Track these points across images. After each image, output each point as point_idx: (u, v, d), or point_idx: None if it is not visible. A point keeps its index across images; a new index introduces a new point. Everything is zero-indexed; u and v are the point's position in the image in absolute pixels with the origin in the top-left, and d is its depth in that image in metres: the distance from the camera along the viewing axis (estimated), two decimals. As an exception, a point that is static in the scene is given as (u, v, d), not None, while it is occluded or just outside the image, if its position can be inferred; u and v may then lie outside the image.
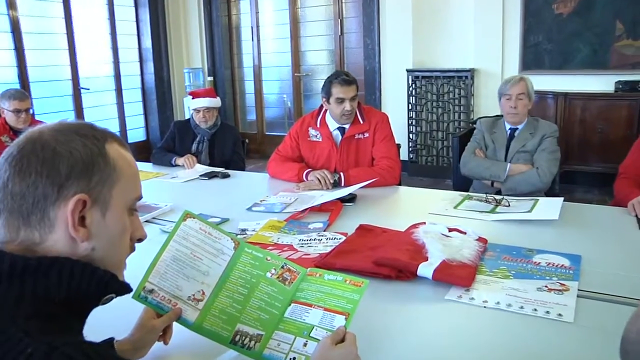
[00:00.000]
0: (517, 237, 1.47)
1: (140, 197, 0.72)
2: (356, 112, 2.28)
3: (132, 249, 0.72)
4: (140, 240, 0.73)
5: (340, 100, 2.19)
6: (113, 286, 0.66)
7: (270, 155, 2.49)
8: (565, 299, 1.11)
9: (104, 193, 0.66)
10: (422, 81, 4.58)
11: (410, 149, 4.80)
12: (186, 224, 0.99)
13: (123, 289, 0.68)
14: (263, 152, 5.95)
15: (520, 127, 2.34)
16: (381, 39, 4.77)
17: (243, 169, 2.94)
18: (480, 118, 2.55)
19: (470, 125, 4.39)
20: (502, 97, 2.33)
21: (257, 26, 5.72)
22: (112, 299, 0.68)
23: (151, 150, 3.41)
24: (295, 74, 5.65)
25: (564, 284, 1.17)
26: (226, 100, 5.94)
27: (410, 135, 4.78)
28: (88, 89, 5.05)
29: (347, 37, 5.17)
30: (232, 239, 0.99)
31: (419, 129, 4.73)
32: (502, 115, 2.39)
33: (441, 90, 4.52)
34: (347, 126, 2.28)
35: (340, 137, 2.29)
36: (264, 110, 6.03)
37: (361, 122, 2.28)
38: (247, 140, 3.15)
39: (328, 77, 2.22)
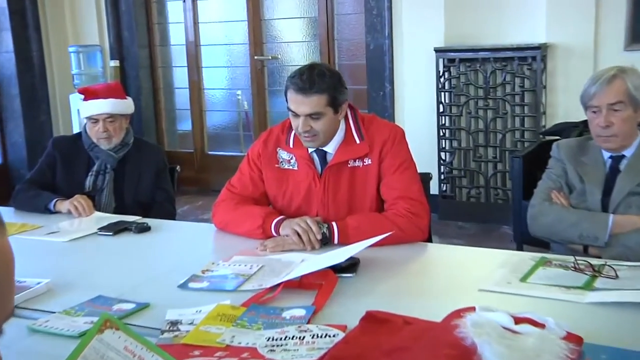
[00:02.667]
0: (636, 334, 1.46)
1: (11, 315, 0.70)
2: (349, 124, 2.33)
3: None
4: None
5: (294, 115, 2.25)
6: None
7: (217, 191, 2.49)
8: None
9: None
10: (459, 67, 4.68)
11: (443, 178, 4.87)
12: (102, 338, 0.98)
13: None
14: (204, 185, 5.99)
15: (627, 153, 2.31)
16: (393, 1, 4.90)
17: (173, 216, 2.94)
18: (559, 126, 2.58)
19: (542, 137, 4.53)
20: (586, 109, 2.29)
21: (193, -20, 5.86)
22: None
23: (11, 186, 3.39)
24: (256, 57, 5.73)
25: None
26: (142, 100, 6.02)
27: (443, 156, 4.85)
28: None
29: (338, -2, 5.31)
30: None
31: (455, 144, 4.81)
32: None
33: (492, 81, 4.63)
34: (330, 148, 2.32)
35: (323, 164, 2.33)
36: (205, 117, 6.10)
37: (357, 140, 2.32)
38: (178, 167, 3.16)
39: (290, 75, 2.28)
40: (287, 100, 2.26)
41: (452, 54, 4.64)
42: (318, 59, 5.38)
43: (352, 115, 2.35)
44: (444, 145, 4.81)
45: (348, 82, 2.35)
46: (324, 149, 2.32)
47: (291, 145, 2.37)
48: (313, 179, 2.33)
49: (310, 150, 2.34)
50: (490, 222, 4.68)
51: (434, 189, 4.37)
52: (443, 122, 4.77)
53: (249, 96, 5.79)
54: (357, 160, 2.31)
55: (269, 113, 5.76)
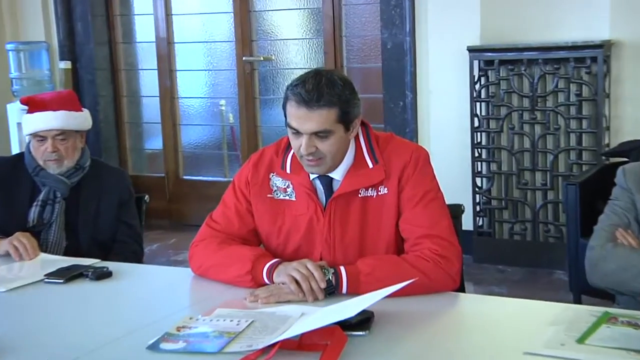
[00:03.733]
0: None
1: None
2: (360, 145, 2.36)
3: None
4: None
5: (295, 133, 2.26)
6: None
7: (196, 226, 2.51)
8: None
9: None
10: (499, 70, 4.72)
11: (479, 210, 4.89)
12: None
13: None
14: (179, 218, 6.00)
15: None
16: (416, -10, 4.95)
17: (140, 258, 2.96)
18: (626, 145, 2.57)
19: (604, 159, 4.52)
20: None
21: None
22: None
23: None
24: (244, 59, 5.78)
25: None
26: (100, 112, 6.06)
27: (478, 182, 4.87)
28: None
29: (347, -15, 5.37)
30: None
31: (494, 167, 4.84)
32: None
33: (540, 89, 4.66)
34: (338, 174, 2.34)
35: (328, 194, 2.35)
36: (180, 132, 6.13)
37: (370, 164, 2.34)
38: (146, 197, 3.18)
39: (289, 84, 2.30)
40: (285, 115, 2.28)
41: (490, 54, 4.68)
42: (321, 61, 5.41)
43: (364, 133, 2.38)
44: (479, 169, 4.84)
45: (359, 90, 2.37)
46: (330, 175, 2.34)
47: (288, 170, 2.38)
48: (315, 212, 2.35)
49: (312, 176, 2.36)
50: (540, 265, 4.68)
51: (467, 224, 4.35)
52: (479, 139, 4.80)
53: (235, 107, 5.85)
54: (371, 189, 2.33)
55: (260, 128, 5.81)
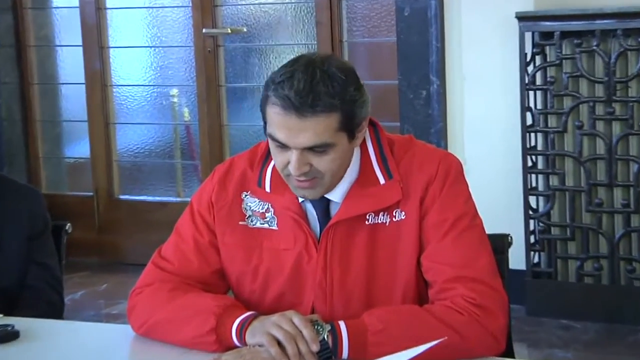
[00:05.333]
0: None
1: None
2: (368, 152, 2.39)
3: None
4: None
5: (281, 146, 2.26)
6: None
7: (137, 265, 2.56)
8: None
9: None
10: (562, 46, 4.74)
11: (533, 242, 4.91)
12: None
13: None
14: (113, 255, 6.02)
15: None
16: None
17: (58, 311, 2.97)
18: None
19: None
20: None
21: None
22: None
23: None
24: (204, 31, 5.80)
25: None
26: (2, 107, 6.10)
27: (532, 203, 4.90)
28: None
29: None
30: None
31: (555, 181, 4.86)
32: None
33: (620, 72, 4.69)
34: (337, 195, 2.36)
35: (323, 221, 2.37)
36: (115, 134, 6.15)
37: (381, 179, 2.36)
38: (68, 226, 3.18)
39: (270, 78, 2.30)
40: (265, 120, 2.28)
41: (549, 23, 4.72)
42: (313, 35, 5.42)
43: (372, 136, 2.41)
44: (534, 184, 4.88)
45: (365, 75, 2.39)
46: (326, 195, 2.35)
47: (267, 189, 2.40)
48: (306, 246, 2.36)
49: (301, 197, 2.37)
50: (620, 320, 4.70)
51: (517, 261, 4.40)
52: (533, 143, 4.84)
53: (191, 99, 5.90)
54: (382, 213, 2.34)
55: (227, 129, 5.85)
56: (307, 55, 2.30)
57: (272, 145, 2.29)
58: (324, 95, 2.18)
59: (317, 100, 2.17)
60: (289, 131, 2.20)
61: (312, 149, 2.22)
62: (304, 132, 2.19)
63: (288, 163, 2.25)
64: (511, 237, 2.68)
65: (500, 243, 2.56)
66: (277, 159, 2.29)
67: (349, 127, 2.25)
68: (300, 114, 2.18)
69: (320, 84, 2.18)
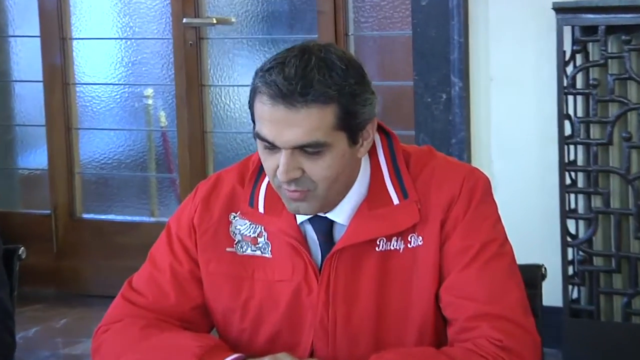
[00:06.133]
0: None
1: None
2: (379, 165, 2.39)
3: None
4: None
5: (269, 147, 2.25)
6: None
7: (104, 298, 2.56)
8: None
9: None
10: (607, 42, 4.74)
11: (572, 273, 4.91)
12: None
13: None
14: (75, 285, 6.04)
15: None
16: None
17: (8, 352, 2.98)
18: None
19: None
20: None
21: None
22: None
23: None
24: (184, 21, 5.83)
25: None
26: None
27: (571, 228, 4.90)
28: None
29: None
30: None
31: (598, 203, 4.87)
32: None
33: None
34: (341, 216, 2.36)
35: (326, 246, 2.38)
36: (78, 142, 6.17)
37: (395, 199, 2.36)
38: (21, 250, 3.18)
39: (260, 67, 2.28)
40: (254, 118, 2.29)
41: (592, 16, 4.73)
42: (314, 27, 5.44)
43: (385, 147, 2.42)
44: (573, 206, 4.89)
45: (374, 75, 2.39)
46: (328, 215, 2.37)
47: (261, 209, 2.41)
48: (305, 277, 2.36)
49: (300, 218, 2.38)
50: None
51: (552, 297, 4.40)
52: (572, 157, 4.85)
53: (169, 100, 5.93)
54: (396, 238, 2.35)
55: (211, 136, 5.87)
56: (304, 43, 2.29)
57: (260, 147, 2.27)
58: (317, 83, 2.15)
59: (308, 88, 2.15)
60: (276, 125, 2.18)
61: (303, 149, 2.19)
62: (293, 127, 2.17)
63: (274, 171, 2.24)
64: (545, 269, 2.69)
65: (533, 275, 2.57)
66: (266, 163, 2.27)
67: (349, 127, 2.22)
68: (289, 103, 2.15)
69: (314, 71, 2.16)
